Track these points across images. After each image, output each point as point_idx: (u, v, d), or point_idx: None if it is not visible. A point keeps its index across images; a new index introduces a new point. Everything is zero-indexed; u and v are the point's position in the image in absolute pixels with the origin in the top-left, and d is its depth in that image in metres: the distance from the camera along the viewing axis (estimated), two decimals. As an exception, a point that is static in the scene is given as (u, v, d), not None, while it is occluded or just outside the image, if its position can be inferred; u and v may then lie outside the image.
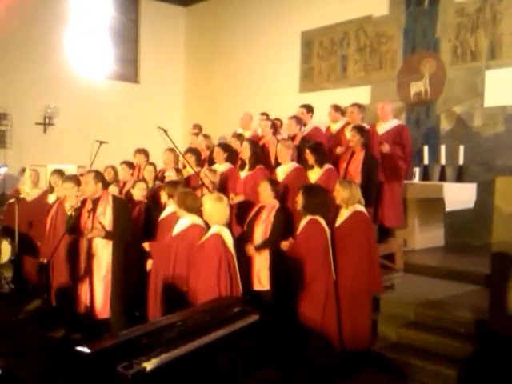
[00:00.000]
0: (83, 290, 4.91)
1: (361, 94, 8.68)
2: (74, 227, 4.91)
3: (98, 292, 4.85)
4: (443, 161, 7.26)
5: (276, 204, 4.97)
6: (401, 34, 8.73)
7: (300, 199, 4.59)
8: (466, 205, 6.70)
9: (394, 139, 6.22)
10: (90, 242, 4.87)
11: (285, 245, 4.71)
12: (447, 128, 8.16)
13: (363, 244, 4.58)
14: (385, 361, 4.62)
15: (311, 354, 4.48)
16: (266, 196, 4.96)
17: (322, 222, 4.55)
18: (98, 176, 5.03)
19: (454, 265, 6.17)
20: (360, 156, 5.66)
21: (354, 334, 4.55)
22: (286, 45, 10.34)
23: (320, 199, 4.56)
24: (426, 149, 7.49)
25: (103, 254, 4.89)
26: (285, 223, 4.88)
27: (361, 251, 4.54)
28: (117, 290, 4.87)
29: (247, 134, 7.38)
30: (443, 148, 7.34)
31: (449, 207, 6.39)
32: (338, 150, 6.14)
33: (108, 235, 4.82)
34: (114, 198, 5.07)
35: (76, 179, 5.51)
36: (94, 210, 4.89)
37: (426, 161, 7.42)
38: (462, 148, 7.22)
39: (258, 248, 4.83)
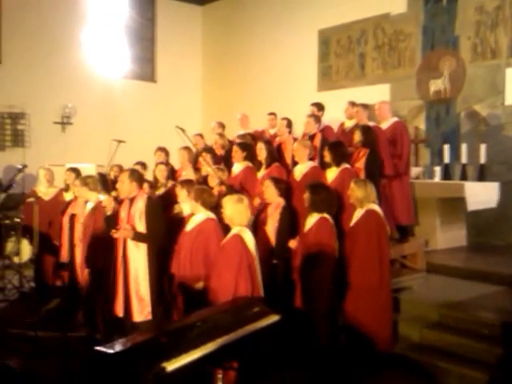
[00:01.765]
0: (117, 292, 4.78)
1: (380, 92, 8.59)
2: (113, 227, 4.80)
3: (133, 294, 4.70)
4: (464, 160, 7.15)
5: (281, 202, 5.00)
6: (419, 32, 8.64)
7: (306, 197, 4.63)
8: (489, 204, 6.58)
9: (391, 137, 6.23)
10: (124, 243, 4.73)
11: (293, 243, 4.72)
12: (468, 126, 8.04)
13: (374, 242, 4.55)
14: (408, 362, 4.55)
15: (323, 352, 4.47)
16: (270, 194, 5.00)
17: (330, 220, 4.58)
18: (133, 175, 4.85)
19: (477, 265, 6.08)
20: (364, 154, 5.69)
21: (373, 333, 4.52)
22: (304, 43, 10.30)
23: (323, 196, 4.59)
24: (446, 147, 7.39)
25: (137, 256, 4.73)
26: (290, 221, 4.91)
27: (372, 249, 4.53)
28: (151, 293, 4.73)
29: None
30: (464, 147, 7.23)
31: (471, 207, 6.28)
32: (351, 149, 6.13)
33: (136, 237, 4.66)
34: (149, 198, 4.89)
35: (84, 180, 5.47)
36: (129, 209, 4.78)
37: (446, 160, 7.31)
38: (483, 147, 7.10)
39: None
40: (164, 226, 4.79)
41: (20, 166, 7.94)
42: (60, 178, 7.32)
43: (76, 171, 6.50)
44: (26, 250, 6.91)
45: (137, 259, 4.72)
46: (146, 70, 12.14)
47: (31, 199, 5.83)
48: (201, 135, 7.70)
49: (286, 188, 5.13)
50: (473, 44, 7.96)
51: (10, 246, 7.27)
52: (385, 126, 6.41)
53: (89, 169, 7.61)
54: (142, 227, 4.70)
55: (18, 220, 6.81)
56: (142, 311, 4.70)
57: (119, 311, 4.75)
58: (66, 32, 10.49)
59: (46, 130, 10.30)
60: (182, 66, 12.26)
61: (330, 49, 9.99)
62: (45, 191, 6.63)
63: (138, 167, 6.56)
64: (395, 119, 6.54)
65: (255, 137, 7.25)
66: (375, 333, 4.52)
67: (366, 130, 5.82)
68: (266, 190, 5.00)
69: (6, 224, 6.84)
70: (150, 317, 4.68)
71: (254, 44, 11.37)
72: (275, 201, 5.01)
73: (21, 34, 10.05)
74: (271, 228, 4.92)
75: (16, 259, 7.22)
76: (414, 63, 8.71)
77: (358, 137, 5.74)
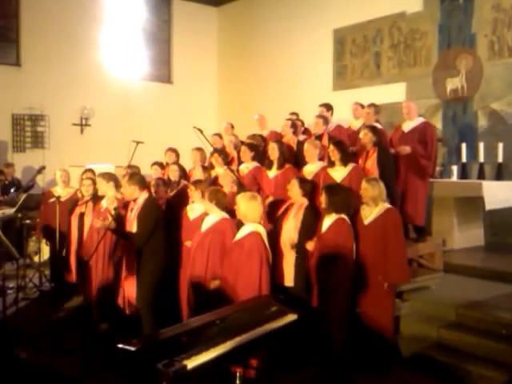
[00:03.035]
0: (121, 287, 5.03)
1: (396, 91, 8.58)
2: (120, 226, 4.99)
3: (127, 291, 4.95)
4: (482, 158, 7.08)
5: (305, 202, 5.00)
6: (435, 30, 8.59)
7: (323, 198, 4.62)
8: (507, 203, 6.49)
9: (419, 137, 6.16)
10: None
11: (310, 244, 4.70)
12: (485, 125, 7.98)
13: (401, 239, 4.64)
14: (425, 362, 4.55)
15: (340, 351, 4.46)
16: (294, 193, 5.00)
17: (348, 220, 4.58)
18: (133, 178, 5.05)
19: (494, 265, 6.04)
20: (374, 153, 5.68)
21: (386, 329, 4.57)
22: (319, 43, 10.30)
23: (342, 196, 4.60)
24: (463, 146, 7.32)
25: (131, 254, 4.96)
26: (314, 221, 4.88)
27: (400, 246, 4.58)
28: (142, 287, 4.91)
29: (265, 134, 7.44)
30: (481, 145, 7.15)
31: (489, 206, 6.21)
32: (353, 149, 6.13)
33: (116, 231, 4.85)
34: (146, 200, 5.03)
35: (108, 177, 5.62)
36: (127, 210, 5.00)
37: (463, 158, 7.25)
38: (500, 145, 7.03)
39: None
40: (151, 228, 4.88)
41: (39, 168, 8.10)
42: (78, 178, 7.44)
43: (93, 173, 6.61)
44: (46, 249, 7.03)
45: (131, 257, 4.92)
46: (163, 71, 12.24)
47: (53, 199, 5.92)
48: (219, 135, 7.74)
49: (311, 188, 5.11)
50: (490, 42, 7.90)
51: (30, 245, 7.40)
52: (411, 125, 6.30)
53: (107, 169, 7.69)
54: (135, 226, 4.90)
55: (39, 220, 6.92)
56: (130, 308, 4.91)
57: (121, 305, 5.00)
58: (84, 35, 10.65)
59: (64, 131, 10.47)
60: (197, 67, 12.34)
61: (345, 48, 9.98)
62: (61, 192, 6.74)
63: (156, 167, 6.67)
64: (422, 119, 6.43)
65: (266, 138, 7.29)
66: (387, 328, 4.58)
67: (376, 130, 5.84)
68: (291, 188, 4.99)
69: (27, 224, 6.96)
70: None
71: (269, 44, 11.38)
72: (299, 200, 5.00)
73: (40, 37, 10.22)
74: (295, 227, 4.90)
75: (36, 258, 7.35)
76: (431, 62, 8.66)
77: (368, 137, 5.70)
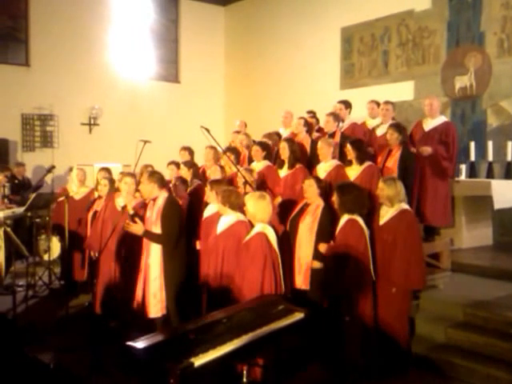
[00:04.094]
0: (138, 289, 4.92)
1: (404, 90, 8.55)
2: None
3: (152, 292, 4.82)
4: (490, 157, 7.06)
5: (321, 202, 4.94)
6: (444, 28, 8.56)
7: (335, 198, 4.57)
8: (516, 202, 6.48)
9: (440, 137, 6.05)
10: (145, 240, 4.87)
11: (323, 246, 4.65)
12: (494, 123, 7.94)
13: (415, 242, 4.48)
14: (433, 361, 4.53)
15: (352, 353, 4.43)
16: (312, 193, 4.94)
17: (361, 221, 4.48)
18: (153, 176, 4.95)
19: (503, 264, 6.01)
20: (397, 152, 5.60)
21: (399, 333, 4.49)
22: (326, 41, 10.30)
23: (353, 196, 4.51)
24: (472, 145, 7.28)
25: (156, 254, 4.83)
26: (331, 222, 4.81)
27: (413, 249, 4.44)
28: (170, 290, 4.82)
29: (287, 132, 7.39)
30: (490, 144, 7.12)
31: (497, 205, 6.18)
32: (370, 149, 6.08)
33: (146, 234, 4.76)
34: (166, 199, 4.92)
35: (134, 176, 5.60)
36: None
37: (472, 157, 7.21)
38: (510, 144, 6.99)
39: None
40: (177, 227, 4.81)
41: (49, 167, 8.16)
42: (88, 177, 7.49)
43: (108, 171, 6.65)
44: (56, 247, 7.08)
45: (153, 257, 4.83)
46: (170, 71, 12.30)
47: (62, 198, 5.97)
48: (239, 132, 7.73)
49: (325, 187, 5.07)
50: (499, 40, 7.86)
51: (40, 243, 7.45)
52: (432, 124, 6.15)
53: (115, 169, 7.73)
54: (158, 227, 4.79)
55: (48, 218, 6.98)
56: (155, 308, 4.81)
57: (135, 306, 4.89)
58: (93, 35, 10.72)
59: (73, 131, 10.58)
60: (205, 67, 12.38)
61: (352, 46, 9.97)
62: (76, 190, 6.78)
63: (172, 167, 6.63)
64: (444, 118, 6.30)
65: (281, 136, 7.25)
66: (401, 332, 4.50)
67: (402, 128, 5.73)
68: (308, 189, 4.93)
69: (37, 222, 7.03)
70: (163, 312, 4.80)
71: (276, 43, 11.39)
72: (316, 200, 4.95)
73: (48, 37, 10.31)
74: (312, 227, 4.86)
75: (46, 256, 7.40)
76: (439, 60, 8.63)
77: (395, 137, 5.59)
